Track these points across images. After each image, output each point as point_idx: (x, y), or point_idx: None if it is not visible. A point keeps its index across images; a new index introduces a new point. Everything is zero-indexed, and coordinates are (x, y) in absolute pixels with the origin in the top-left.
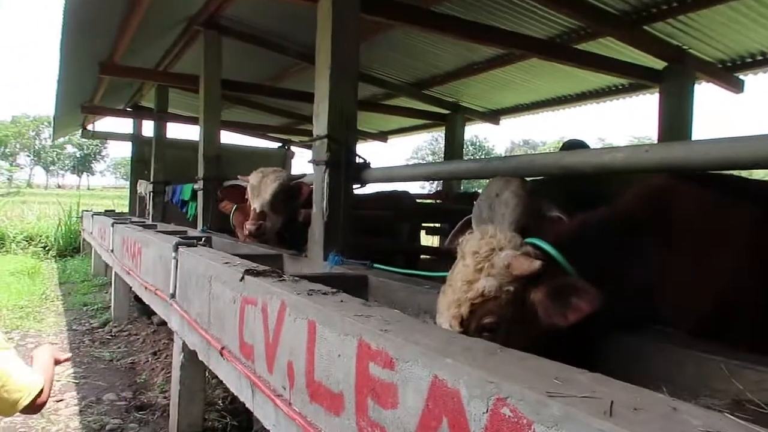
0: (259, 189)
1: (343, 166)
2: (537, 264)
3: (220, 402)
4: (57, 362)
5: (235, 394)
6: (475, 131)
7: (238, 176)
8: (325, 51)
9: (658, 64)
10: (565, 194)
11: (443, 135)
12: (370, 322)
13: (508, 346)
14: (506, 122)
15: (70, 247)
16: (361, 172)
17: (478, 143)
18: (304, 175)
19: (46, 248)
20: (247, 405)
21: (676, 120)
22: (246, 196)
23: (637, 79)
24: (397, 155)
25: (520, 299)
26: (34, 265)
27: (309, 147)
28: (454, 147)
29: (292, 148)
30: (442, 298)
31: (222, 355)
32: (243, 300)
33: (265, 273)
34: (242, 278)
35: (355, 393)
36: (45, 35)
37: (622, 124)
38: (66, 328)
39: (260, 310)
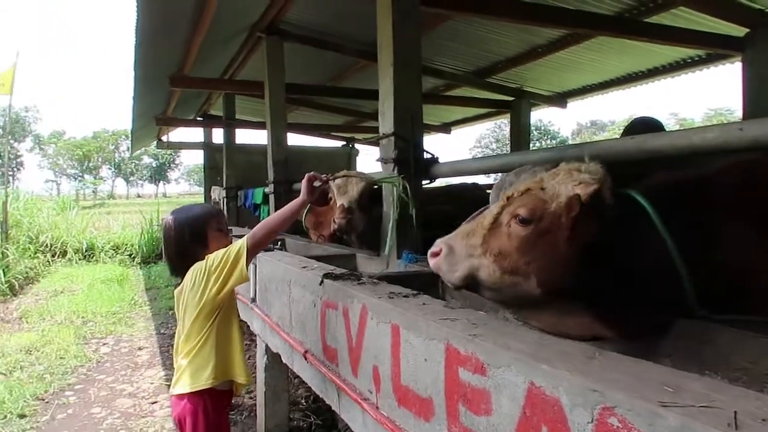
0: (346, 188)
1: (412, 163)
2: (592, 187)
3: (303, 401)
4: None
5: (321, 396)
6: (539, 116)
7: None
8: (387, 48)
9: (739, 31)
10: None
11: (507, 122)
12: (457, 325)
13: (530, 260)
14: (572, 104)
15: (153, 254)
16: (429, 167)
17: (543, 127)
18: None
19: (132, 256)
20: (333, 408)
21: (763, 90)
22: (330, 197)
23: (715, 49)
24: (460, 146)
25: (562, 216)
26: (122, 272)
27: (374, 144)
28: (520, 133)
29: (357, 145)
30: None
31: (305, 359)
32: (323, 304)
33: (343, 276)
34: (321, 282)
35: (445, 398)
36: (117, 51)
37: (696, 96)
38: (155, 332)
39: (341, 314)
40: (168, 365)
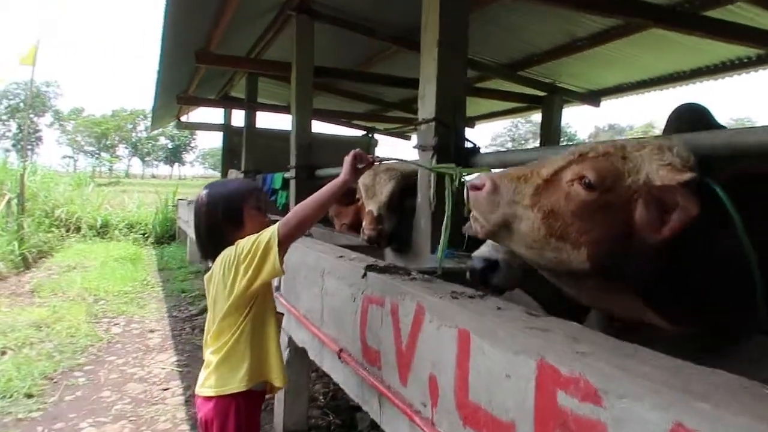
0: (374, 189)
1: (452, 152)
2: (687, 175)
3: (321, 397)
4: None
5: (356, 401)
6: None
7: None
8: (433, 26)
9: None
10: None
11: (522, 120)
12: (552, 338)
13: (585, 230)
14: (603, 103)
15: (167, 234)
16: (470, 157)
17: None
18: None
19: (145, 235)
20: (371, 416)
21: None
22: (357, 197)
23: None
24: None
25: (636, 194)
26: (136, 251)
27: (396, 135)
28: (551, 131)
29: (376, 135)
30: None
31: (340, 358)
32: (365, 299)
33: (390, 269)
34: (364, 275)
35: (535, 425)
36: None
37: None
38: (167, 314)
39: (389, 313)
40: (180, 350)
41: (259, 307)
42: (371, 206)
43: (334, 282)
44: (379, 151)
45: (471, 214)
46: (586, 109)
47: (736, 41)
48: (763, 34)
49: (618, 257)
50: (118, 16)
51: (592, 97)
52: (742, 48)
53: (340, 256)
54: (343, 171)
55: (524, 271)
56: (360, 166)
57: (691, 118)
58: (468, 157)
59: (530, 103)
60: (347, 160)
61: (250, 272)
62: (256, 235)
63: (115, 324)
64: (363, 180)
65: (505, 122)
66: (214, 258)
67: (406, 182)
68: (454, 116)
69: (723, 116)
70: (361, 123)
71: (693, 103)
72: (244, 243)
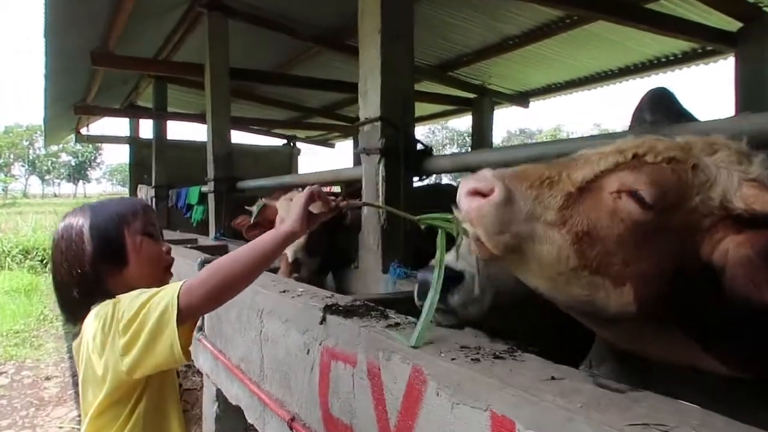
0: None
1: (402, 155)
2: None
3: None
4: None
5: None
6: (469, 122)
7: (261, 198)
8: (372, 12)
9: (732, 26)
10: None
11: (439, 126)
12: None
13: (632, 261)
14: (506, 111)
15: None
16: (422, 161)
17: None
18: (338, 194)
19: (44, 261)
20: None
21: (757, 87)
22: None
23: (708, 43)
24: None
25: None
26: (31, 281)
27: (318, 143)
28: (482, 134)
29: (298, 144)
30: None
31: (292, 429)
32: (325, 353)
33: (358, 311)
34: (323, 320)
35: None
36: (34, 39)
37: (616, 108)
38: (67, 355)
39: (365, 375)
40: None
41: (153, 397)
42: (287, 249)
43: (277, 326)
44: (302, 160)
45: (466, 230)
46: (497, 114)
47: (674, 34)
48: (700, 27)
49: (676, 298)
50: (5, 21)
51: (521, 99)
52: (669, 46)
53: (284, 291)
54: (290, 217)
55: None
56: (315, 210)
57: (662, 104)
58: (420, 161)
59: (461, 106)
60: (297, 203)
61: (134, 353)
62: (145, 292)
63: (2, 373)
64: (281, 211)
65: (422, 128)
66: (83, 318)
67: (328, 214)
68: (402, 114)
69: (619, 120)
70: (282, 131)
71: (662, 88)
72: (127, 302)
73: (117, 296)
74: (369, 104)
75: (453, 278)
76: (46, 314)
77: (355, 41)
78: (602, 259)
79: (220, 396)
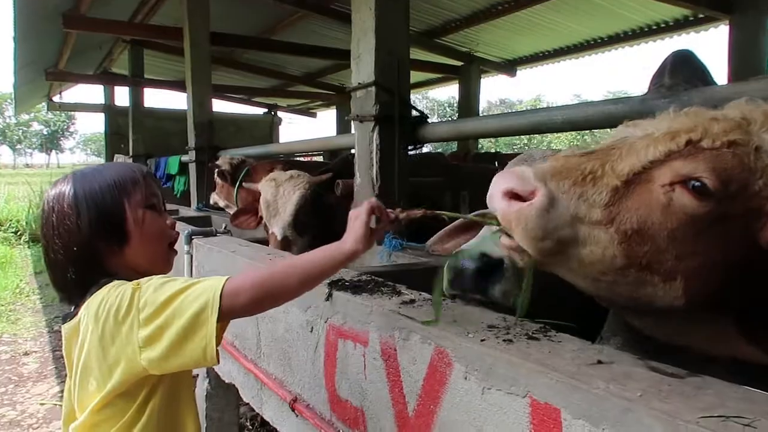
0: (276, 206)
1: (397, 122)
2: None
3: (248, 424)
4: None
5: None
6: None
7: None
8: None
9: None
10: None
11: (419, 96)
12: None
13: (685, 255)
14: (486, 81)
15: None
16: (418, 128)
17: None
18: (329, 170)
19: (18, 233)
20: None
21: (751, 55)
22: (260, 216)
23: (703, 9)
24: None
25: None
26: (5, 253)
27: (300, 113)
28: (469, 102)
29: (280, 113)
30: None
31: (294, 410)
32: (332, 331)
33: (367, 286)
34: (329, 296)
35: None
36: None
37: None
38: (46, 329)
39: (378, 356)
40: (64, 375)
41: (167, 389)
42: (275, 227)
43: None
44: (283, 130)
45: (502, 236)
46: (484, 84)
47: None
48: None
49: (728, 289)
50: None
51: (509, 67)
52: (660, 13)
53: None
54: (352, 235)
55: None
56: (374, 225)
57: (685, 68)
58: (415, 129)
59: (448, 74)
60: (358, 217)
61: (159, 348)
62: (172, 280)
63: None
64: (264, 194)
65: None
66: (82, 299)
67: (315, 191)
68: (397, 79)
69: (644, 84)
70: (263, 100)
71: (686, 50)
72: (150, 291)
73: (136, 281)
74: (362, 68)
75: (490, 269)
76: (22, 288)
77: (341, 5)
78: (652, 256)
79: (211, 373)
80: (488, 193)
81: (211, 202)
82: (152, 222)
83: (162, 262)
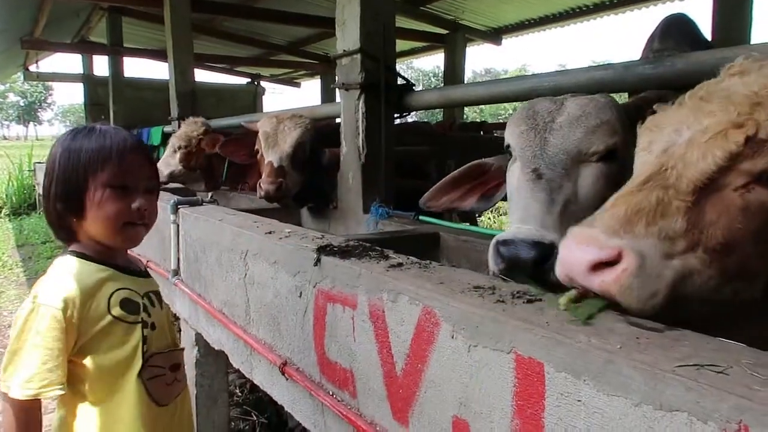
0: (276, 138)
1: (383, 90)
2: None
3: (237, 391)
4: None
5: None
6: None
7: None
8: None
9: None
10: None
11: (404, 65)
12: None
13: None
14: (470, 50)
15: (25, 204)
16: (404, 96)
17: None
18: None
19: None
20: None
21: (733, 23)
22: (256, 149)
23: None
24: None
25: None
26: None
27: (283, 83)
28: (454, 72)
29: (263, 83)
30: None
31: (284, 374)
32: (320, 295)
33: (355, 251)
34: (317, 261)
35: None
36: None
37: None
38: None
39: (367, 318)
40: None
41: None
42: (272, 157)
43: (264, 268)
44: (266, 100)
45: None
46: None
47: None
48: None
49: None
50: None
51: (494, 35)
52: None
53: (269, 232)
54: None
55: None
56: None
57: (677, 32)
58: (401, 96)
59: (433, 42)
60: None
61: None
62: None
63: None
64: (263, 127)
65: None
66: (68, 240)
67: (317, 133)
68: (383, 46)
69: (628, 53)
70: (245, 69)
71: (680, 14)
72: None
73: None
74: (347, 35)
75: (545, 254)
76: (5, 260)
77: None
78: (743, 263)
79: (200, 341)
80: (562, 271)
81: (165, 173)
82: (109, 205)
83: (114, 238)
